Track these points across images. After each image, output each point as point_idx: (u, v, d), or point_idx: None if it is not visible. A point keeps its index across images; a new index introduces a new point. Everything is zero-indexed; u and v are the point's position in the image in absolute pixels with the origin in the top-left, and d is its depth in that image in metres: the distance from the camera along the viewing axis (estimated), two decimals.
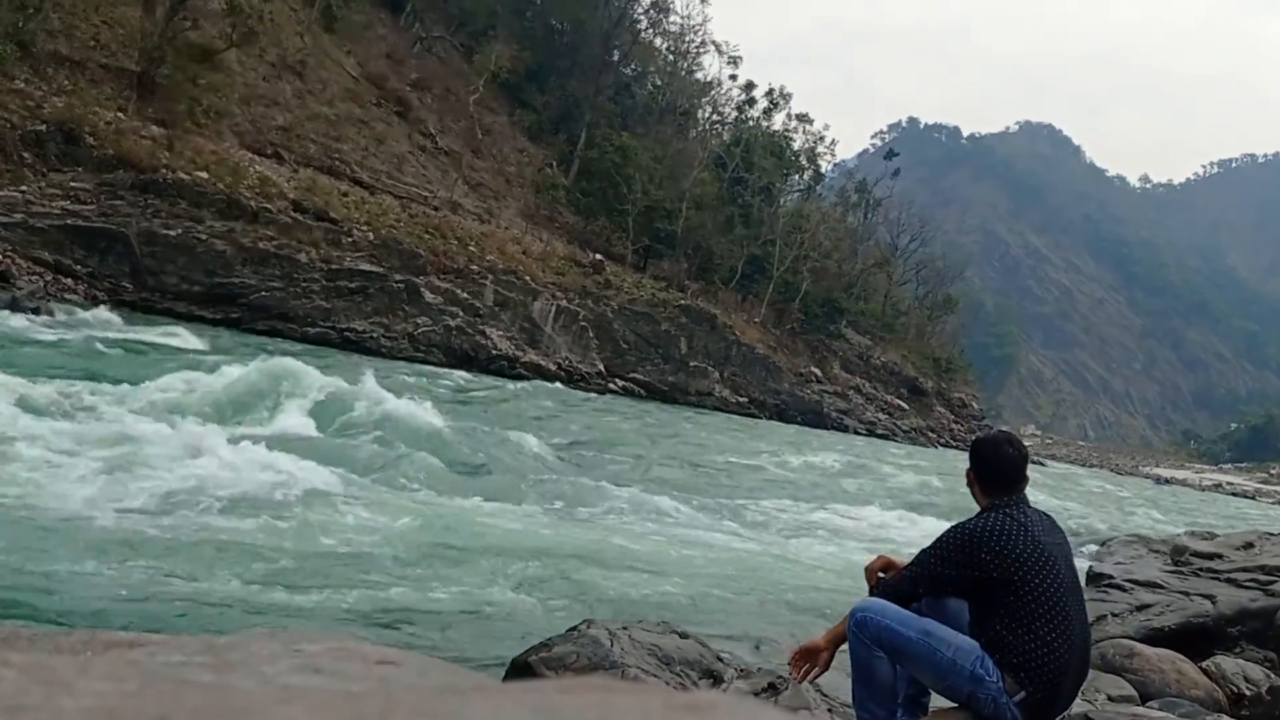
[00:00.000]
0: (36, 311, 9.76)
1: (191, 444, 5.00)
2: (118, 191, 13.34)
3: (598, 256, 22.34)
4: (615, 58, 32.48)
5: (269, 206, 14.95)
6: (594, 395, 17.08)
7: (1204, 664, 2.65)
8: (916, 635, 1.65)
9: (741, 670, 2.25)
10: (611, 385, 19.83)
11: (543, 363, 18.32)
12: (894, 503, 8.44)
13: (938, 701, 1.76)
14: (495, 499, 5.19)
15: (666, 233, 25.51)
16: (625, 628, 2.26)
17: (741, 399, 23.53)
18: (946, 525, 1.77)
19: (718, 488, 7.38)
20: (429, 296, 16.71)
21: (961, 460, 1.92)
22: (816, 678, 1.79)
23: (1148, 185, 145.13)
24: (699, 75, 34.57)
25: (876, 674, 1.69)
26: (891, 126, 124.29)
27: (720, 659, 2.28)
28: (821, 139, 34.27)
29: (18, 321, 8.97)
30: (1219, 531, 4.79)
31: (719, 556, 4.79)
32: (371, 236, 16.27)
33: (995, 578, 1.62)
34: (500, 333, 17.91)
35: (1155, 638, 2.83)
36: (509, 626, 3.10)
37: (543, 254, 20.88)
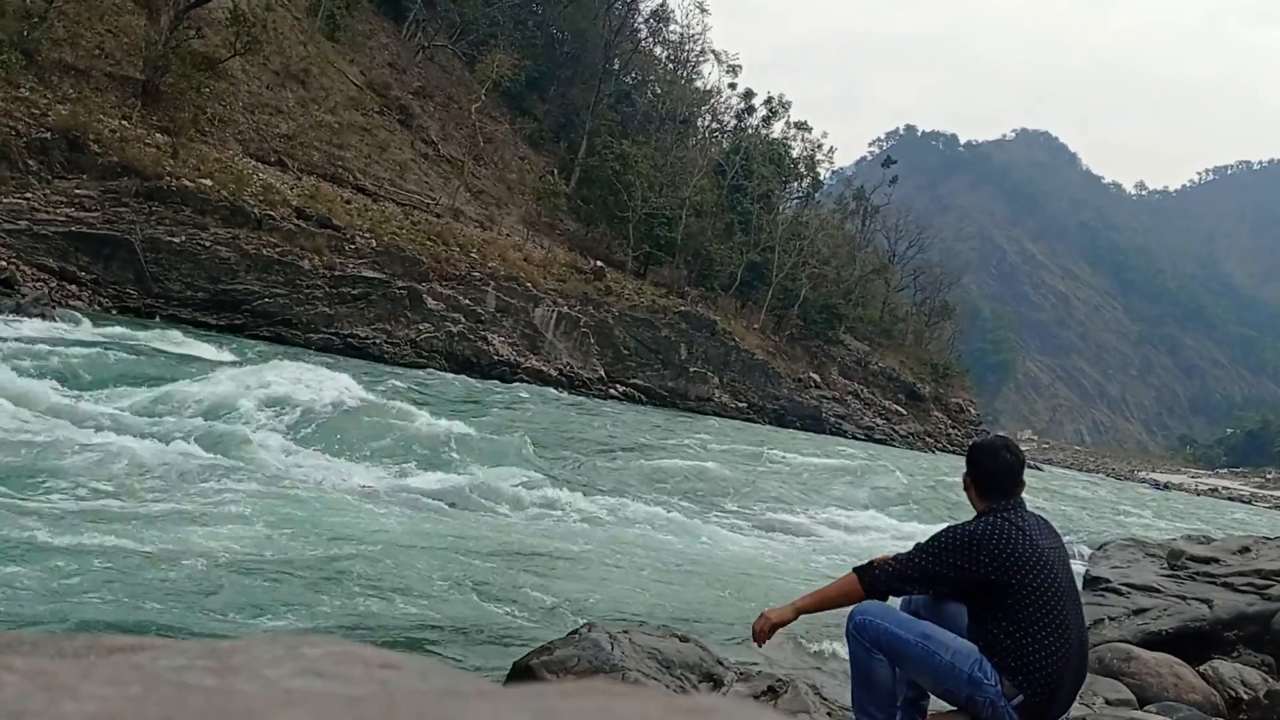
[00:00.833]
0: (41, 318, 9.78)
1: (192, 447, 5.01)
2: (122, 199, 13.41)
3: (598, 263, 22.45)
4: (616, 66, 32.82)
5: (272, 213, 15.03)
6: (595, 401, 17.08)
7: (1201, 668, 2.66)
8: (915, 638, 1.66)
9: (741, 674, 2.27)
10: (612, 391, 19.85)
11: (544, 368, 18.35)
12: (893, 506, 8.44)
13: (937, 704, 1.77)
14: (496, 501, 5.20)
15: (666, 239, 25.63)
16: (626, 631, 2.28)
17: (741, 404, 23.56)
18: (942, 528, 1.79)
19: (718, 491, 7.38)
20: (431, 303, 16.76)
21: (958, 465, 1.95)
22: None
23: (1144, 192, 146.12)
24: (699, 84, 35.00)
25: (876, 677, 1.70)
26: (889, 134, 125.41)
27: (720, 663, 2.30)
28: (820, 146, 34.67)
29: (20, 327, 8.99)
30: (1215, 536, 4.81)
31: (719, 560, 4.80)
32: (374, 243, 16.34)
33: (993, 581, 1.62)
34: (502, 339, 17.94)
35: (1152, 642, 2.84)
36: (510, 630, 3.11)
37: (544, 260, 20.97)
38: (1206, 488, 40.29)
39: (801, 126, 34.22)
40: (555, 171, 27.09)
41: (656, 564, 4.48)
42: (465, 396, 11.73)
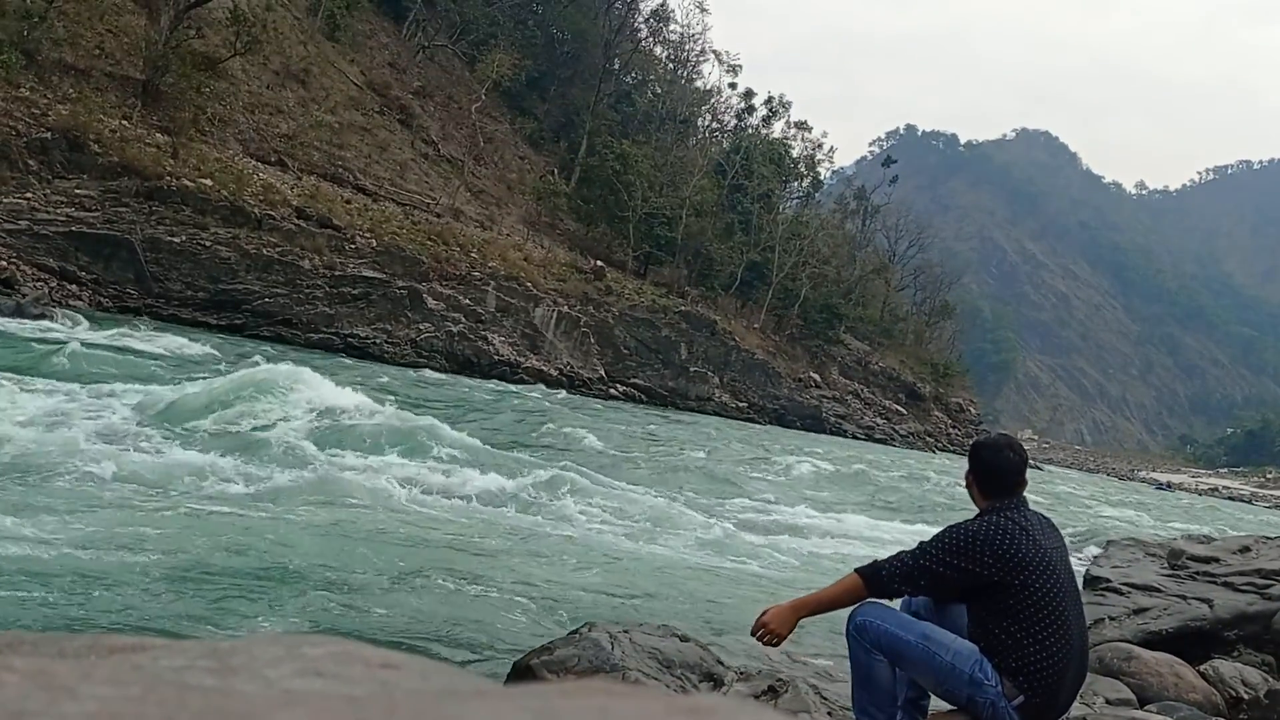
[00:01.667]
0: (41, 318, 9.78)
1: (192, 448, 5.01)
2: (122, 199, 13.42)
3: (598, 263, 22.45)
4: (616, 66, 32.83)
5: (273, 213, 15.03)
6: (595, 400, 17.08)
7: (1201, 667, 2.65)
8: (915, 639, 1.65)
9: (742, 673, 2.27)
10: (612, 390, 19.85)
11: (544, 368, 18.36)
12: (892, 505, 8.44)
13: (937, 704, 1.77)
14: (495, 502, 5.20)
15: (667, 239, 25.64)
16: (626, 631, 2.26)
17: (741, 404, 23.57)
18: (941, 527, 1.78)
19: (718, 491, 7.38)
20: (431, 303, 16.77)
21: (958, 464, 1.94)
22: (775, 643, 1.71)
23: (1144, 192, 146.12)
24: (699, 83, 35.03)
25: (876, 677, 1.70)
26: (889, 134, 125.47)
27: (720, 662, 2.30)
28: (820, 146, 34.65)
29: (20, 327, 8.99)
30: (1215, 535, 4.81)
31: (719, 559, 4.80)
32: (374, 243, 16.35)
33: (996, 580, 1.62)
34: (502, 338, 17.95)
35: (1153, 641, 2.83)
36: (510, 630, 3.12)
37: (544, 260, 20.98)
38: (1207, 487, 40.27)
39: (801, 126, 34.28)
40: (555, 171, 27.09)
41: (657, 563, 4.48)
42: (465, 396, 11.73)
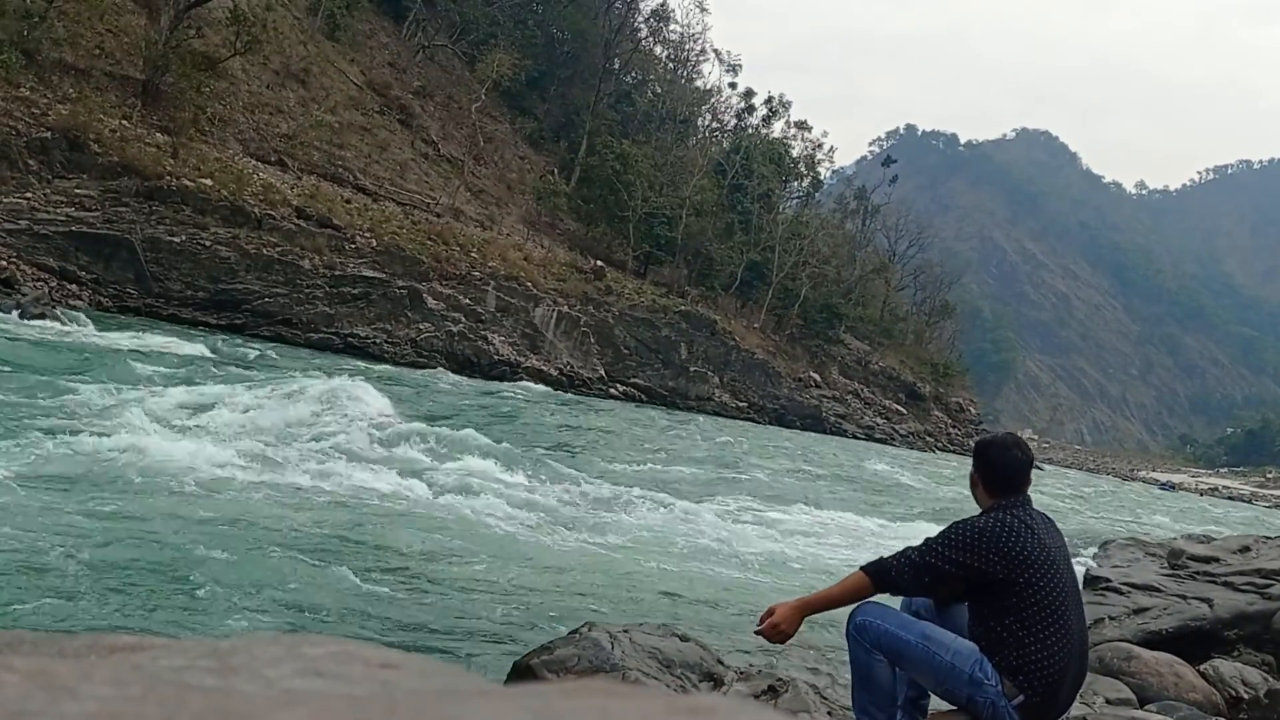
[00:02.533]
0: (41, 317, 9.78)
1: (193, 449, 5.02)
2: (122, 198, 13.42)
3: (598, 263, 22.45)
4: (616, 66, 32.80)
5: (273, 213, 15.03)
6: (595, 400, 17.08)
7: (1201, 667, 2.66)
8: (915, 639, 1.65)
9: (742, 673, 2.27)
10: (612, 390, 19.86)
11: (544, 368, 18.36)
12: (892, 505, 8.44)
13: (937, 704, 1.77)
14: (495, 501, 5.20)
15: (667, 239, 25.62)
16: (626, 631, 2.26)
17: (741, 404, 23.57)
18: (942, 527, 1.78)
19: (718, 491, 7.38)
20: (431, 302, 16.76)
21: (959, 463, 1.94)
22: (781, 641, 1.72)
23: (1144, 192, 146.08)
24: (699, 83, 35.01)
25: (876, 677, 1.69)
26: (889, 133, 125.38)
27: (721, 662, 2.30)
28: (820, 146, 34.59)
29: (19, 327, 8.99)
30: (1215, 535, 4.81)
31: (720, 559, 4.80)
32: (374, 243, 16.34)
33: (1000, 578, 1.61)
34: (502, 338, 17.95)
35: (1153, 641, 2.84)
36: (511, 629, 3.12)
37: (544, 260, 20.97)
38: (1207, 487, 40.23)
39: (801, 126, 34.23)
40: (555, 171, 27.09)
41: (657, 563, 4.48)
42: (463, 397, 11.73)
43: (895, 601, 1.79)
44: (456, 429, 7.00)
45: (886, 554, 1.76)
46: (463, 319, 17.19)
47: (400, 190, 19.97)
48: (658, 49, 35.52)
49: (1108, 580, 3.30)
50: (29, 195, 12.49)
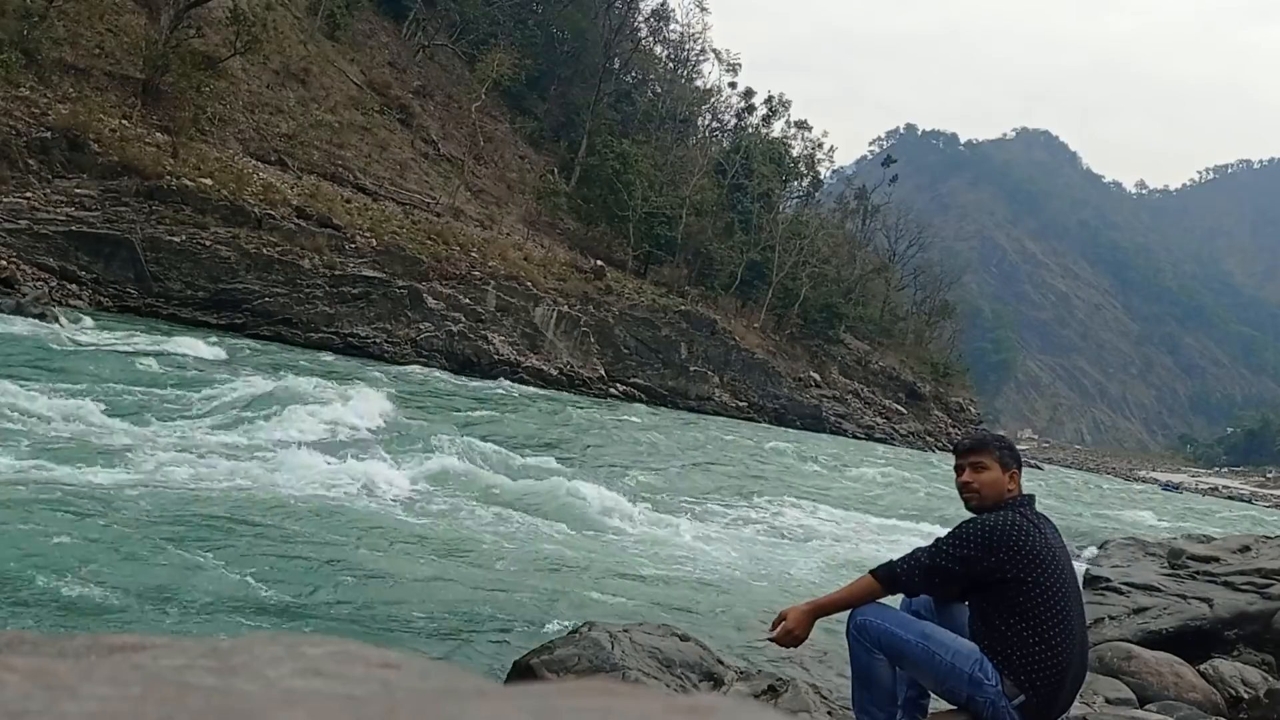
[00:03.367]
0: (41, 317, 9.78)
1: (192, 449, 5.01)
2: (122, 198, 13.41)
3: (599, 262, 22.44)
4: (616, 65, 32.79)
5: (273, 213, 15.02)
6: (594, 400, 17.08)
7: (1201, 667, 2.66)
8: (916, 639, 1.65)
9: (742, 673, 2.27)
10: (612, 390, 19.85)
11: (544, 368, 18.35)
12: (892, 505, 8.44)
13: (937, 704, 1.77)
14: (494, 501, 5.20)
15: (667, 239, 25.61)
16: (626, 630, 2.26)
17: (741, 403, 23.56)
18: (942, 529, 1.78)
19: (718, 490, 7.38)
20: (431, 302, 16.76)
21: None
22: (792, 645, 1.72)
23: (1144, 191, 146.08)
24: (699, 83, 35.00)
25: (876, 676, 1.70)
26: (889, 133, 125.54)
27: (721, 662, 2.30)
28: (820, 146, 34.62)
29: (20, 327, 8.99)
30: (1215, 535, 4.80)
31: (720, 558, 4.80)
32: (374, 243, 16.33)
33: (1009, 577, 1.61)
34: (502, 338, 17.94)
35: (1153, 641, 2.84)
36: (510, 629, 3.12)
37: (544, 260, 20.96)
38: (1207, 486, 40.27)
39: (801, 125, 34.25)
40: (555, 171, 27.08)
41: (657, 562, 4.48)
42: (463, 396, 11.72)
43: (895, 600, 1.78)
44: (454, 429, 7.00)
45: (895, 556, 1.76)
46: (463, 319, 17.19)
47: (400, 190, 19.96)
48: (658, 49, 35.56)
49: (1108, 580, 3.30)
50: (29, 195, 12.48)
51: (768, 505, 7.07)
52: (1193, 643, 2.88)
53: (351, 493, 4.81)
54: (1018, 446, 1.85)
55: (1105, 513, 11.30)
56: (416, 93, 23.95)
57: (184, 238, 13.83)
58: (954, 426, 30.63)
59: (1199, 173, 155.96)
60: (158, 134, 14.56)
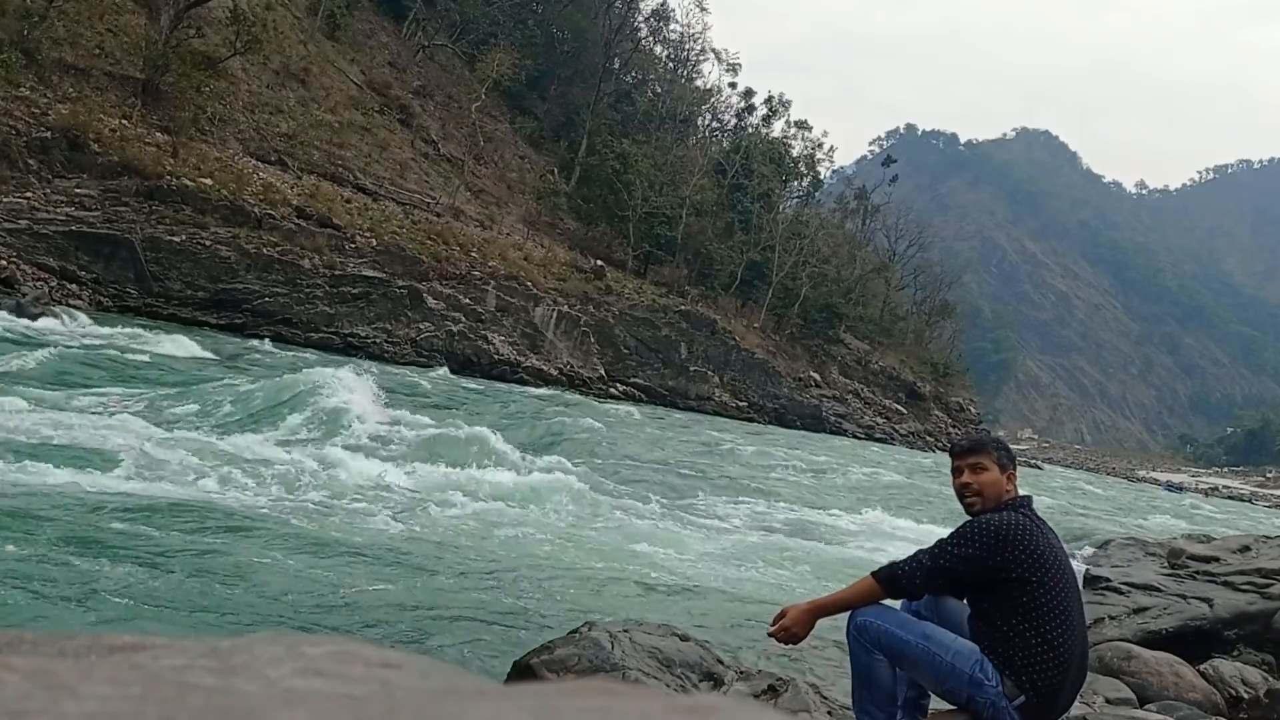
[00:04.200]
0: (41, 316, 9.77)
1: (187, 449, 5.02)
2: (122, 198, 13.42)
3: (599, 262, 22.46)
4: (616, 65, 32.84)
5: (273, 213, 15.04)
6: (594, 400, 17.09)
7: (1202, 667, 2.66)
8: (916, 639, 1.65)
9: (742, 673, 2.27)
10: (612, 390, 19.88)
11: (544, 368, 18.37)
12: (892, 504, 8.44)
13: (937, 704, 1.77)
14: (494, 501, 5.20)
15: (667, 239, 25.63)
16: (626, 630, 2.26)
17: (741, 403, 23.58)
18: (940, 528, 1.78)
19: (719, 490, 7.39)
20: (431, 302, 16.77)
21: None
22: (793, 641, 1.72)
23: (1144, 191, 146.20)
24: (699, 83, 35.07)
25: (876, 677, 1.70)
26: (889, 133, 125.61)
27: (721, 661, 2.29)
28: (820, 146, 34.63)
29: (20, 327, 8.99)
30: (1215, 534, 4.80)
31: (720, 559, 4.81)
32: (374, 242, 16.36)
33: (1014, 576, 1.61)
34: (502, 338, 17.96)
35: (1153, 641, 2.84)
36: (510, 629, 3.12)
37: (544, 260, 20.98)
38: (1207, 486, 40.27)
39: (801, 125, 34.28)
40: (555, 171, 27.10)
41: (657, 562, 4.48)
42: (463, 396, 11.73)
43: (895, 601, 1.78)
44: (453, 428, 7.01)
45: (899, 557, 1.76)
46: (463, 318, 17.20)
47: (400, 190, 19.97)
48: (658, 49, 35.60)
49: (1108, 580, 3.30)
50: (29, 195, 12.49)
51: (768, 505, 7.07)
52: (1193, 643, 2.88)
53: (350, 493, 4.81)
54: (1018, 446, 1.84)
55: (1124, 520, 11.06)
56: (416, 93, 23.96)
57: (184, 238, 13.84)
58: (954, 426, 30.62)
59: (1199, 173, 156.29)
60: (158, 134, 14.58)
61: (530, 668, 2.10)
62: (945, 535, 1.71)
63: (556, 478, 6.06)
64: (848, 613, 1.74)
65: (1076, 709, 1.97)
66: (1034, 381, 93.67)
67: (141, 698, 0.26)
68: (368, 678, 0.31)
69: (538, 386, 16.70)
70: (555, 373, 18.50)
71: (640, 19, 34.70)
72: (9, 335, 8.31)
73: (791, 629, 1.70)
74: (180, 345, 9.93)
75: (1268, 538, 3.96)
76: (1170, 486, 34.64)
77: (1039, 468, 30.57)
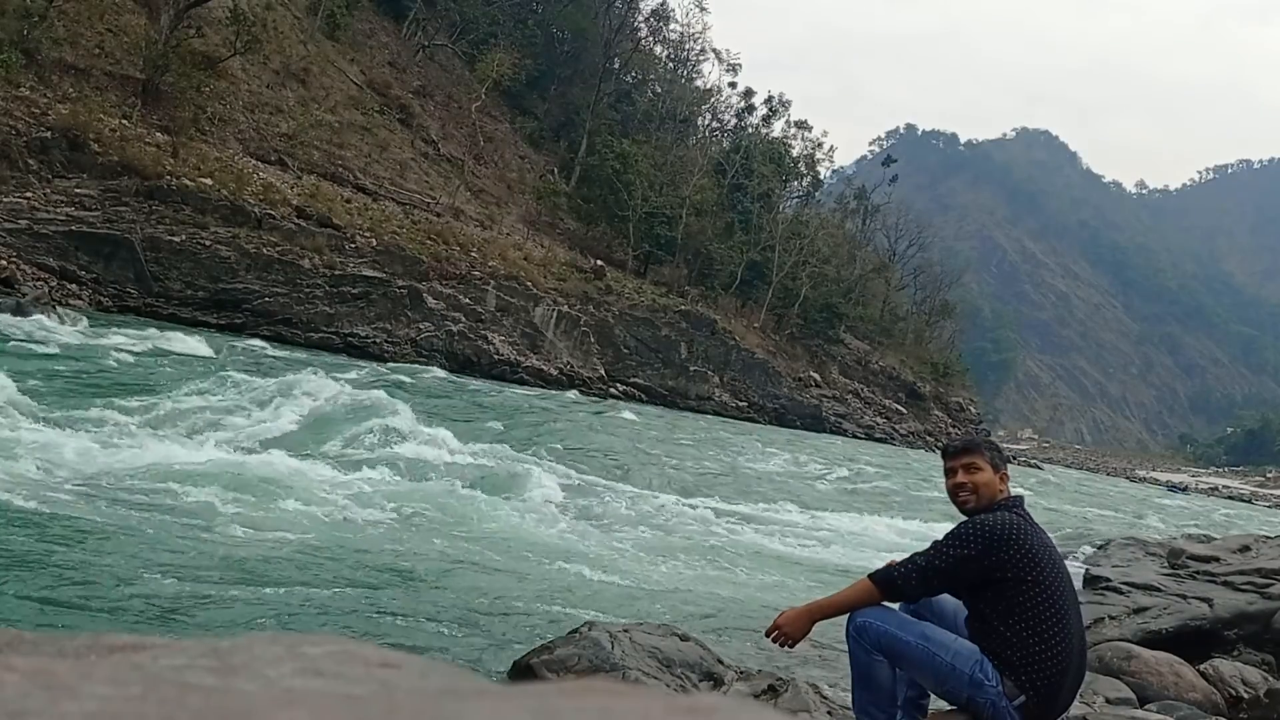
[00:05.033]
0: (41, 316, 9.76)
1: (186, 449, 5.02)
2: (122, 198, 13.42)
3: (599, 262, 22.46)
4: (616, 65, 32.82)
5: (273, 213, 15.04)
6: (594, 399, 17.10)
7: (1201, 667, 2.66)
8: (915, 640, 1.65)
9: (742, 673, 2.27)
10: (612, 390, 19.87)
11: (544, 368, 18.37)
12: (892, 504, 8.45)
13: (937, 704, 1.77)
14: (494, 500, 5.20)
15: (667, 239, 25.64)
16: (626, 630, 2.27)
17: (741, 403, 23.59)
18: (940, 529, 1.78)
19: (719, 490, 7.39)
20: (431, 302, 16.77)
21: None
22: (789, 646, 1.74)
23: (1144, 191, 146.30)
24: (699, 82, 35.07)
25: (876, 677, 1.70)
26: (889, 133, 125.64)
27: (721, 661, 2.30)
28: (820, 146, 34.64)
29: (20, 327, 8.99)
30: (1215, 535, 4.80)
31: (720, 558, 4.81)
32: (374, 242, 16.35)
33: (1010, 576, 1.62)
34: (502, 338, 17.96)
35: (1153, 641, 2.84)
36: (510, 629, 3.12)
37: (544, 260, 20.98)
38: (1207, 486, 40.27)
39: (801, 125, 34.29)
40: (555, 171, 27.11)
41: (657, 562, 4.48)
42: (462, 396, 11.73)
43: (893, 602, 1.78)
44: (453, 429, 7.01)
45: (896, 559, 1.76)
46: (463, 318, 17.20)
47: (400, 190, 19.96)
48: (658, 49, 35.59)
49: (1108, 580, 3.30)
50: (29, 195, 12.49)
51: (768, 506, 7.07)
52: (1193, 642, 2.88)
53: (350, 493, 4.81)
54: (1018, 446, 1.85)
55: (1123, 521, 10.92)
56: (416, 93, 23.96)
57: (184, 238, 13.84)
58: (954, 426, 30.63)
59: (1199, 173, 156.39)
60: (158, 134, 14.58)
61: (530, 668, 2.11)
62: (939, 537, 1.71)
63: (556, 478, 6.06)
64: (845, 615, 1.74)
65: (1076, 709, 1.97)
66: (1034, 381, 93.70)
67: (141, 698, 0.26)
68: (367, 678, 0.31)
69: (538, 386, 16.71)
70: (555, 373, 18.49)
71: (640, 19, 34.73)
72: (9, 336, 8.32)
73: (788, 631, 1.71)
74: (181, 345, 9.92)
75: (1268, 538, 3.96)
76: (1173, 487, 34.22)
77: (1039, 468, 30.55)
